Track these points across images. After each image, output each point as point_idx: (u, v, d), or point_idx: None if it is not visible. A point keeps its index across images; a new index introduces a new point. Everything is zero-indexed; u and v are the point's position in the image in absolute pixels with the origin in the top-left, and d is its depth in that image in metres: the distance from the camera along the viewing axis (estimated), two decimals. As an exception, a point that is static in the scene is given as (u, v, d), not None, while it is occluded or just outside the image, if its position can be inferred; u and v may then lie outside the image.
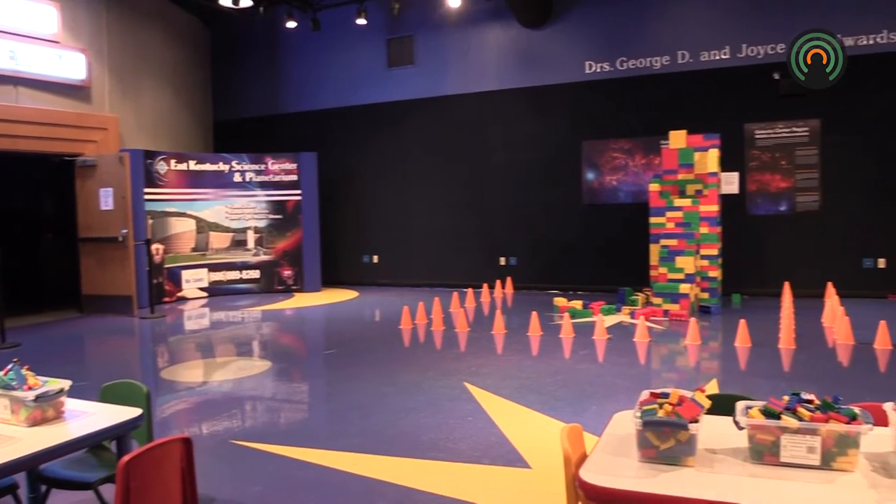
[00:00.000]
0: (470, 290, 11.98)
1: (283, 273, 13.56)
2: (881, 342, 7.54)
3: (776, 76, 10.99)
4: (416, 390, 6.28)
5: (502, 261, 13.16)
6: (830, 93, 10.75)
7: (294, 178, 13.51)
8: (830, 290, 10.13)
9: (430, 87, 13.54)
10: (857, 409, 2.45)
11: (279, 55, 14.91)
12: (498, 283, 12.79)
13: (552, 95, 12.59)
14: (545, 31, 12.61)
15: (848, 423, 2.36)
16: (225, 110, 15.33)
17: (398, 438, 5.02)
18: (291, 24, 13.57)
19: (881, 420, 2.61)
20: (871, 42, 10.61)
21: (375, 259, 14.31)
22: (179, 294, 12.63)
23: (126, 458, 2.55)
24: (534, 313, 9.06)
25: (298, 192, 13.50)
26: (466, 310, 10.77)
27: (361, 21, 13.18)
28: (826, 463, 2.36)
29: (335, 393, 6.51)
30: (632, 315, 9.73)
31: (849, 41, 10.69)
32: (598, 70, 12.20)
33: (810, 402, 2.51)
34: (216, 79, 15.38)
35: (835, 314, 8.61)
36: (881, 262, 10.78)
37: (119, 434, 3.13)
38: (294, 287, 13.56)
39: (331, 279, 14.08)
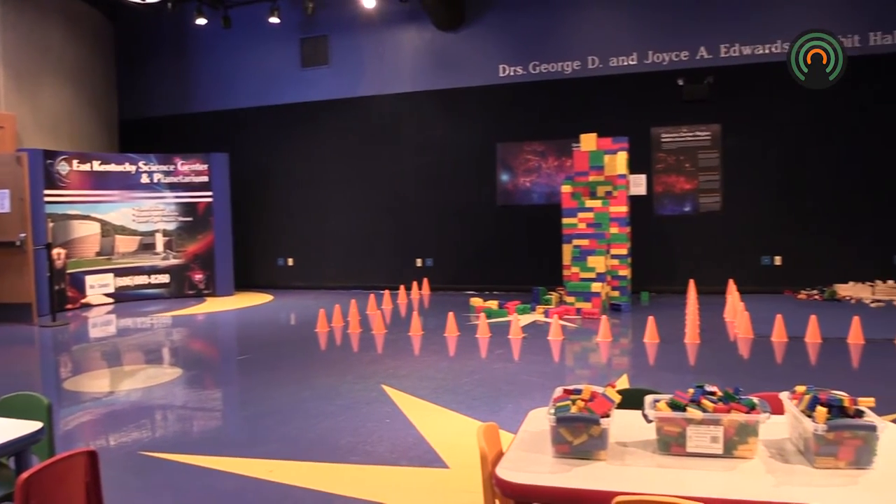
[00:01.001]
0: (386, 292, 11.96)
1: (194, 277, 13.19)
2: (778, 335, 7.97)
3: (680, 82, 11.45)
4: (334, 394, 6.23)
5: (419, 262, 13.20)
6: (730, 98, 11.33)
7: (205, 179, 13.15)
8: (732, 286, 10.61)
9: (345, 88, 13.45)
10: (755, 399, 2.59)
11: (189, 53, 14.49)
12: (414, 284, 12.82)
13: (467, 98, 12.72)
14: (460, 34, 12.73)
15: (748, 412, 2.48)
16: (131, 109, 14.78)
17: (316, 443, 4.97)
18: (201, 21, 13.22)
19: (778, 408, 2.76)
20: (766, 51, 11.19)
21: (290, 262, 14.10)
22: (83, 301, 12.10)
23: (25, 474, 2.43)
24: (450, 314, 9.13)
25: (209, 193, 13.16)
26: (383, 312, 10.75)
27: (274, 20, 12.98)
28: (728, 451, 2.47)
29: (250, 399, 6.38)
30: (546, 314, 9.93)
31: (746, 50, 11.26)
32: (512, 73, 12.41)
33: (713, 393, 2.63)
34: (122, 76, 14.81)
35: (736, 310, 9.03)
36: (777, 260, 11.40)
37: (18, 450, 2.97)
38: (206, 291, 13.20)
39: (244, 283, 13.78)
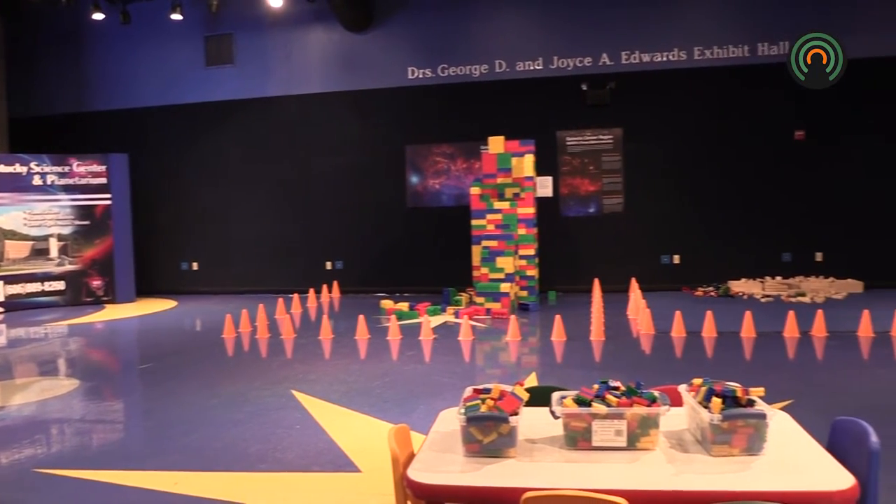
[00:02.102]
0: (296, 296, 11.77)
1: (92, 284, 12.60)
2: (677, 330, 8.32)
3: (584, 87, 11.79)
4: (242, 401, 6.08)
5: (328, 265, 13.06)
6: (630, 103, 11.74)
7: (103, 181, 12.59)
8: (634, 284, 11.00)
9: (251, 88, 13.16)
10: (656, 393, 2.70)
11: (86, 49, 13.84)
12: (324, 287, 12.68)
13: (376, 100, 12.69)
14: (368, 35, 12.68)
15: (649, 405, 2.59)
16: (23, 107, 13.95)
17: (223, 452, 4.84)
18: (98, 17, 12.63)
19: (677, 401, 2.89)
20: (664, 59, 11.66)
21: (195, 266, 13.68)
22: (-32, 310, 11.37)
23: None
24: (361, 317, 9.08)
25: (108, 196, 12.61)
26: (292, 316, 10.59)
27: (176, 16, 12.53)
28: (631, 444, 2.57)
29: (153, 409, 6.15)
30: (456, 315, 10.01)
31: (646, 58, 11.70)
32: (421, 76, 12.46)
33: (617, 388, 2.73)
34: (11, 73, 13.97)
35: (638, 307, 9.37)
36: (676, 259, 11.90)
37: None
38: (105, 298, 12.64)
39: (146, 289, 13.28)
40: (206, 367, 7.57)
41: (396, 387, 6.44)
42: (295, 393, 6.27)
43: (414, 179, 12.64)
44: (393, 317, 9.37)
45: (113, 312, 11.76)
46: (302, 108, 13.03)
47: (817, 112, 11.32)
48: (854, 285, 11.00)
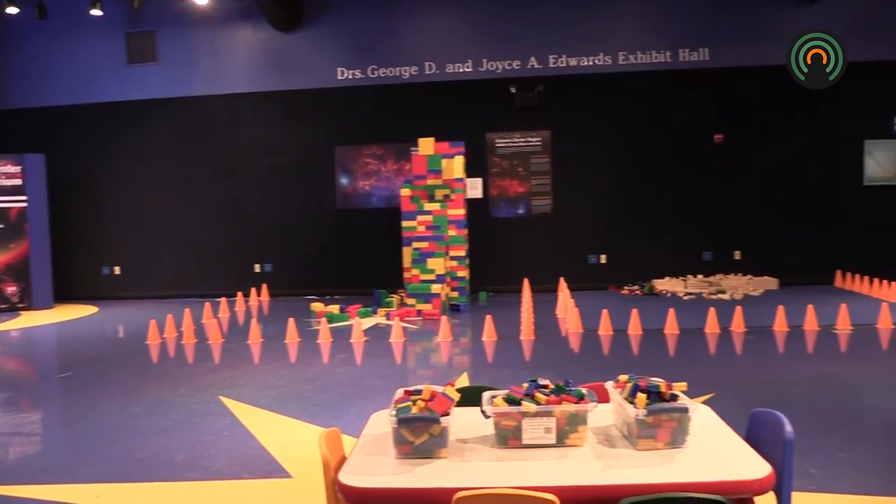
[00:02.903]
0: (223, 300, 11.51)
1: (7, 290, 12.04)
2: (604, 329, 8.52)
3: (513, 90, 11.94)
4: (167, 409, 5.92)
5: (257, 268, 12.84)
6: (559, 107, 11.95)
7: (18, 182, 12.04)
8: (563, 284, 11.20)
9: (175, 87, 12.82)
10: (584, 390, 2.76)
11: (-4, 44, 13.21)
12: (253, 290, 12.46)
13: (305, 100, 12.53)
14: (297, 35, 12.51)
15: (577, 402, 2.64)
16: (-75, 105, 13.23)
17: (148, 462, 4.70)
18: (12, 10, 12.03)
19: (604, 397, 2.96)
20: (590, 63, 11.91)
21: (117, 270, 13.23)
22: None
23: None
24: (291, 320, 8.96)
25: (23, 198, 12.06)
26: (220, 320, 10.37)
27: (96, 12, 12.05)
28: (561, 440, 2.62)
29: (73, 419, 5.93)
30: (387, 317, 9.99)
31: (573, 61, 11.93)
32: (351, 77, 12.38)
33: (546, 387, 2.77)
34: (-88, 68, 13.24)
35: (567, 306, 9.54)
36: (603, 258, 12.17)
37: None
38: (20, 305, 12.10)
39: (65, 295, 12.76)
40: (129, 375, 7.33)
41: (327, 390, 6.38)
42: (223, 399, 6.14)
43: (344, 181, 12.55)
44: (323, 320, 9.28)
45: (29, 320, 11.27)
46: (229, 107, 12.76)
47: (736, 116, 11.78)
48: (770, 282, 11.49)
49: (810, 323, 8.38)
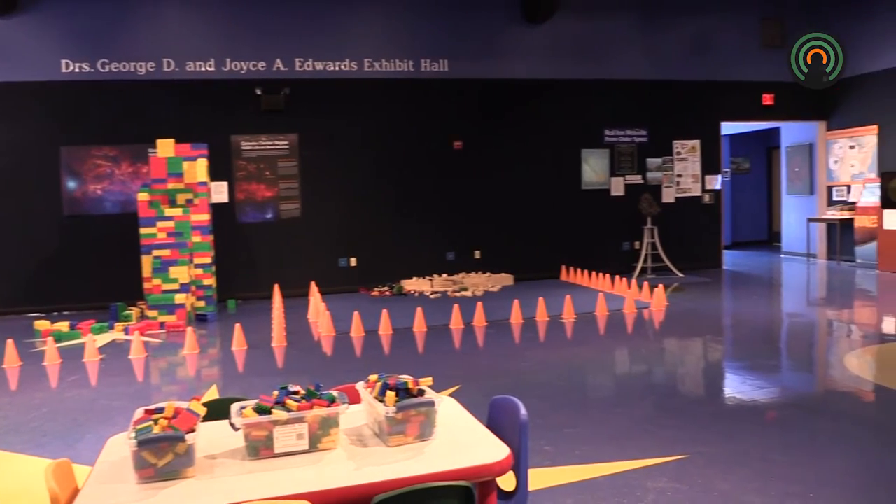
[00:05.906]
0: (-80, 323, 9.89)
1: None
2: (356, 330, 8.65)
3: (258, 92, 11.66)
4: None
5: (-36, 284, 11.19)
6: (306, 110, 11.90)
7: None
8: (314, 288, 11.17)
9: None
10: (335, 393, 2.78)
11: None
12: (-41, 310, 10.85)
13: (23, 94, 11.12)
14: (13, 20, 11.04)
15: (328, 406, 2.66)
16: None
17: None
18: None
19: (355, 398, 3.02)
20: (337, 68, 12.01)
21: None
22: None
23: None
24: (9, 341, 7.95)
25: None
26: (-84, 347, 8.90)
27: None
28: (314, 445, 2.62)
29: None
30: (126, 331, 9.26)
31: (319, 66, 11.94)
32: (77, 70, 11.24)
33: (296, 393, 2.75)
34: None
35: (318, 310, 9.53)
36: (353, 261, 12.34)
37: None
38: None
39: None
40: None
41: (57, 418, 5.76)
42: (-79, 438, 5.28)
43: (71, 185, 11.37)
44: (50, 339, 8.34)
45: None
46: (-80, 100, 10.98)
47: (473, 124, 12.59)
48: (506, 278, 12.44)
49: (541, 314, 9.23)
